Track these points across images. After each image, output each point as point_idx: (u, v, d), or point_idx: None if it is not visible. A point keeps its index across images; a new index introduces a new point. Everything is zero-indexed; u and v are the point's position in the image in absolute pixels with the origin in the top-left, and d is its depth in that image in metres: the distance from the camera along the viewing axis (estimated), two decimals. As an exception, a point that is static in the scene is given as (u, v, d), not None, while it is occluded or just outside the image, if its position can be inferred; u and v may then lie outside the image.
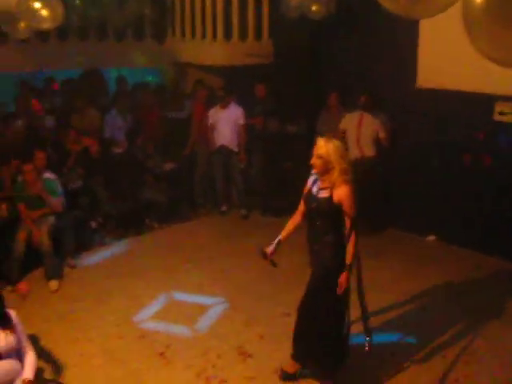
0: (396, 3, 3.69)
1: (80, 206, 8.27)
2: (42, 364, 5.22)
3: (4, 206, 7.38)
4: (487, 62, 3.49)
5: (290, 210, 8.92)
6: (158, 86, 10.55)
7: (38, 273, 7.21)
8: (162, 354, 5.65)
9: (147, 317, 6.37)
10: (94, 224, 8.49)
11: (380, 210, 8.53)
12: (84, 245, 8.00)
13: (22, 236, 7.04)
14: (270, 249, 5.11)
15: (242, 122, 8.99)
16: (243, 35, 9.89)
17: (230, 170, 9.25)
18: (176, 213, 9.19)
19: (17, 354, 4.46)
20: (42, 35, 9.23)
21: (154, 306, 6.58)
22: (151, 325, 6.21)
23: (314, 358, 5.13)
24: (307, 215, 5.00)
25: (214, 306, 6.56)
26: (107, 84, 10.38)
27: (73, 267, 7.48)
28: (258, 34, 9.94)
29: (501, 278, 7.20)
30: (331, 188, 4.74)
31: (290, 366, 5.22)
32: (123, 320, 6.27)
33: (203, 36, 10.00)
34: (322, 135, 8.53)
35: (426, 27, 7.78)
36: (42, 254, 7.00)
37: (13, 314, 4.52)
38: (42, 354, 5.38)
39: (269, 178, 9.34)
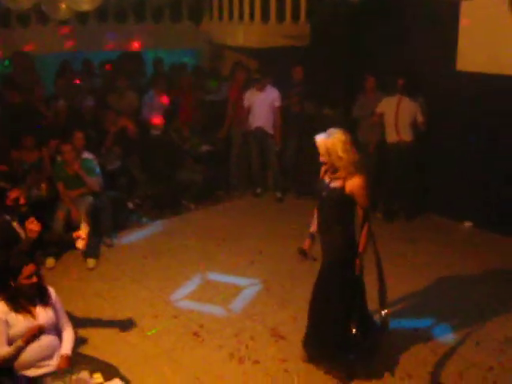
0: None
1: (118, 186, 8.39)
2: (80, 340, 5.34)
3: (44, 186, 7.52)
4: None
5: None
6: (195, 67, 10.56)
7: (76, 251, 7.34)
8: (195, 333, 5.73)
9: (182, 296, 6.46)
10: (131, 204, 8.64)
11: (416, 195, 8.46)
12: (121, 224, 8.13)
13: (60, 215, 7.18)
14: (306, 245, 5.08)
15: (277, 104, 8.97)
16: (281, 17, 9.82)
17: (265, 152, 9.26)
18: (212, 194, 9.25)
19: (55, 329, 4.56)
20: (81, 17, 9.33)
21: (189, 286, 6.66)
22: (186, 304, 6.29)
23: (325, 350, 5.10)
24: (318, 204, 4.95)
25: (249, 287, 6.62)
26: (145, 65, 10.44)
27: (110, 246, 7.61)
28: (296, 16, 9.86)
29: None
30: (344, 178, 4.67)
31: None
32: (158, 299, 6.37)
33: (240, 17, 9.96)
34: (359, 119, 8.60)
35: (467, 9, 7.62)
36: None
37: (51, 290, 4.61)
38: (79, 330, 5.51)
39: (304, 160, 9.31)
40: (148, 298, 6.39)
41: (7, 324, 4.29)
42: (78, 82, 9.16)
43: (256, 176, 9.49)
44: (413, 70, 8.25)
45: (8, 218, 5.18)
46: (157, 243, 7.77)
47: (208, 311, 6.15)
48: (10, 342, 4.31)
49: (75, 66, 9.76)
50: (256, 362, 5.29)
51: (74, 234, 5.22)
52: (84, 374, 4.13)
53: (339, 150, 4.58)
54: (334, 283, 4.88)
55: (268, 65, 9.66)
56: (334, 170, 4.73)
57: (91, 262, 7.11)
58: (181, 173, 8.86)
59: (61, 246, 7.14)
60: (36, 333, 4.28)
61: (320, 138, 4.69)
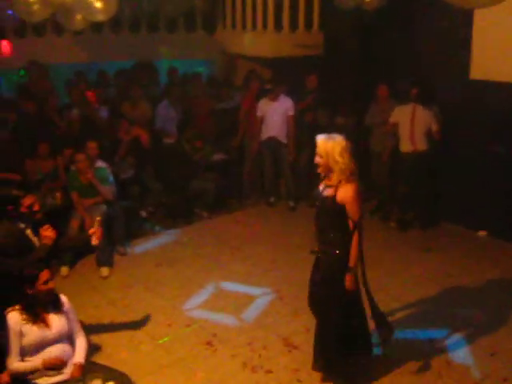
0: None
1: (131, 195, 8.42)
2: (93, 349, 5.35)
3: (58, 195, 7.58)
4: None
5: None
6: (209, 77, 10.61)
7: (90, 259, 7.38)
8: (208, 342, 5.72)
9: (195, 305, 6.45)
10: (144, 213, 8.68)
11: (430, 205, 8.41)
12: (134, 233, 8.16)
13: (74, 223, 7.22)
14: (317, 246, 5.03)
15: (291, 113, 8.97)
16: (294, 26, 9.85)
17: (278, 161, 9.26)
18: (224, 203, 9.26)
19: (68, 338, 4.57)
20: (95, 27, 9.41)
21: (202, 295, 6.66)
22: (199, 313, 6.28)
23: (325, 360, 5.07)
24: (315, 213, 4.90)
25: (261, 297, 6.60)
26: (159, 75, 10.49)
27: (123, 255, 7.63)
28: (309, 25, 9.88)
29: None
30: (336, 187, 4.63)
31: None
32: (171, 308, 6.37)
33: (253, 27, 10.00)
34: (371, 127, 8.58)
35: (480, 18, 7.60)
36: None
37: (64, 299, 4.62)
38: (92, 339, 5.52)
39: (317, 169, 9.29)
40: (161, 306, 6.39)
41: (21, 334, 4.31)
42: (92, 92, 9.22)
43: (269, 185, 9.49)
44: (426, 79, 8.23)
45: (22, 226, 5.21)
46: (170, 252, 7.78)
47: (221, 320, 6.14)
48: (22, 351, 4.33)
49: (89, 76, 9.83)
50: (269, 371, 5.27)
51: (89, 231, 5.27)
52: (97, 383, 4.13)
53: (336, 154, 4.57)
54: (329, 294, 4.83)
55: (281, 74, 9.68)
56: (327, 173, 4.70)
57: (105, 270, 7.13)
58: (193, 182, 8.87)
59: (76, 249, 7.18)
60: (57, 365, 4.28)
61: (321, 139, 4.68)
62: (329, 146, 4.61)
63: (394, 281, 6.84)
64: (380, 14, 8.06)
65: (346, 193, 4.58)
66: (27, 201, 5.19)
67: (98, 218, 5.35)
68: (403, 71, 8.55)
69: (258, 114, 9.07)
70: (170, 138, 9.17)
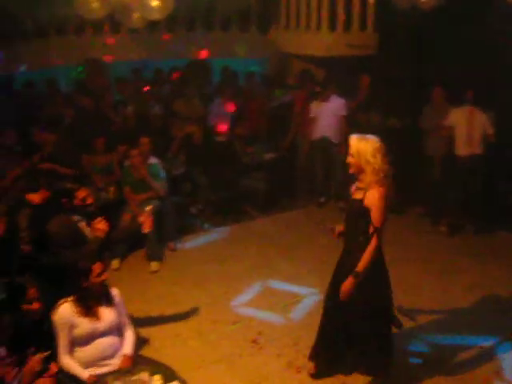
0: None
1: (182, 191, 8.52)
2: (141, 342, 5.43)
3: (112, 189, 7.73)
4: None
5: (389, 205, 8.85)
6: (262, 76, 10.63)
7: (140, 253, 7.50)
8: (254, 340, 5.74)
9: (242, 303, 6.49)
10: (194, 210, 8.75)
11: (486, 210, 8.22)
12: (184, 229, 8.24)
13: (126, 218, 7.35)
14: (338, 228, 4.95)
15: (343, 113, 8.91)
16: (348, 26, 9.79)
17: (330, 161, 9.20)
18: (275, 202, 9.26)
19: (118, 330, 4.65)
20: (151, 25, 9.56)
21: (250, 293, 6.69)
22: (245, 311, 6.31)
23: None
24: (345, 216, 4.83)
25: (309, 297, 6.58)
26: (212, 74, 10.58)
27: (173, 250, 7.72)
28: (363, 25, 9.80)
29: None
30: (365, 190, 4.54)
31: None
32: (218, 304, 6.42)
33: (307, 26, 9.98)
34: (425, 130, 8.43)
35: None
36: (144, 236, 7.27)
37: (115, 292, 4.70)
38: (140, 332, 5.62)
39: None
40: (208, 302, 6.45)
41: (72, 325, 4.40)
42: (146, 89, 9.38)
43: (320, 185, 9.45)
44: (483, 81, 8.05)
45: (76, 218, 5.33)
46: (219, 249, 7.84)
47: (267, 319, 6.15)
48: (72, 342, 4.44)
49: (144, 73, 10.00)
50: (313, 372, 5.25)
51: (140, 219, 5.35)
52: (144, 375, 4.19)
53: (369, 154, 4.49)
54: (354, 295, 4.68)
55: (334, 73, 9.63)
56: (359, 173, 4.62)
57: (155, 265, 7.24)
58: (244, 180, 8.91)
59: (127, 242, 7.32)
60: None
61: (354, 139, 4.61)
62: (361, 145, 4.54)
63: (442, 286, 6.74)
64: (435, 14, 7.92)
65: (373, 195, 4.49)
66: (81, 194, 5.32)
67: (149, 207, 5.43)
68: (458, 73, 8.38)
69: (311, 115, 9.04)
70: (221, 136, 9.24)
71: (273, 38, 10.62)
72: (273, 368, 5.31)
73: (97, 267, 4.46)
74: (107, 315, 4.53)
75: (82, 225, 5.35)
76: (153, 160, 7.73)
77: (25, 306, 4.31)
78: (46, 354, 4.09)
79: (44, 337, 4.34)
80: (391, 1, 8.61)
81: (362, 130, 8.83)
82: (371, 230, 4.52)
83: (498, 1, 7.72)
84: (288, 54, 10.48)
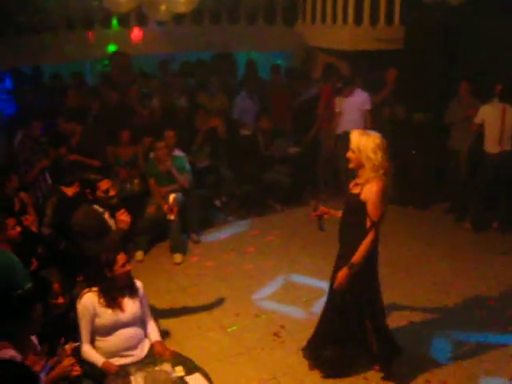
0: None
1: (206, 184, 8.55)
2: (162, 334, 5.47)
3: (136, 181, 7.80)
4: None
5: (413, 200, 8.84)
6: (287, 69, 10.61)
7: (164, 245, 7.55)
8: (276, 333, 5.76)
9: (264, 296, 6.51)
10: (218, 202, 8.78)
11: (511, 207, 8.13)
12: (208, 222, 8.28)
13: (151, 210, 7.41)
14: (324, 208, 4.96)
15: (367, 107, 8.85)
16: (374, 20, 9.72)
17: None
18: (298, 197, 9.25)
19: (140, 322, 4.70)
20: (177, 18, 9.59)
21: (272, 286, 6.70)
22: (268, 304, 6.33)
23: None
24: (342, 211, 4.82)
25: (331, 291, 6.57)
26: (237, 67, 10.59)
27: (196, 243, 7.77)
28: (390, 19, 9.72)
29: None
30: (363, 185, 4.53)
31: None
32: (241, 297, 6.45)
33: (333, 20, 9.93)
34: (451, 125, 8.33)
35: None
36: (168, 228, 7.32)
37: (139, 284, 4.74)
38: (162, 324, 5.66)
39: (393, 165, 9.14)
40: (231, 295, 6.48)
41: (95, 315, 4.46)
42: (171, 82, 9.42)
43: (343, 180, 9.40)
44: (510, 74, 7.92)
45: (100, 209, 5.38)
46: (242, 242, 7.86)
47: (289, 313, 6.16)
48: (94, 331, 4.49)
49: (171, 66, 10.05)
50: (335, 366, 5.25)
51: (165, 208, 5.37)
52: (166, 366, 4.22)
53: (369, 150, 4.46)
54: (346, 293, 4.74)
55: (359, 68, 9.58)
56: (358, 169, 4.59)
57: (178, 257, 7.29)
58: (267, 173, 8.92)
59: (152, 233, 7.37)
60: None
61: (355, 134, 4.59)
62: (362, 141, 4.51)
63: (465, 283, 6.69)
64: (462, 7, 7.83)
65: (370, 189, 4.47)
66: (103, 185, 5.34)
67: (174, 195, 5.45)
68: (486, 68, 8.28)
69: (336, 109, 8.99)
70: (246, 130, 9.25)
71: (298, 32, 10.58)
72: (294, 362, 5.32)
73: (121, 258, 4.50)
74: (131, 306, 4.57)
75: (106, 216, 5.40)
76: (178, 153, 7.78)
77: (50, 301, 4.36)
78: (75, 344, 4.14)
79: (68, 329, 4.40)
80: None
81: (387, 124, 8.92)
82: (368, 223, 4.51)
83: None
84: (313, 47, 10.44)
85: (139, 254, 7.31)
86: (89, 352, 4.43)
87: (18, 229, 5.16)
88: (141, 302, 4.66)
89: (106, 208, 5.41)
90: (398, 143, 8.97)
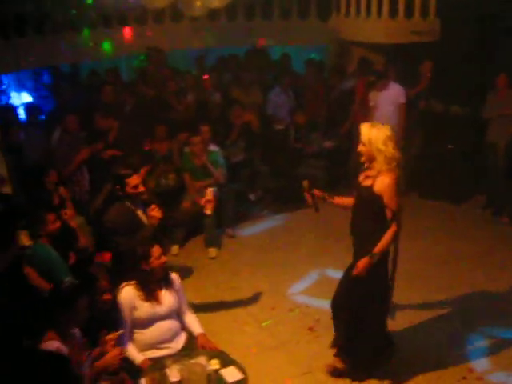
0: None
1: (241, 178, 8.59)
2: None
3: (172, 176, 7.87)
4: None
5: (449, 194, 8.73)
6: (322, 63, 10.57)
7: (199, 240, 7.61)
8: (311, 328, 5.78)
9: (299, 290, 6.53)
10: (252, 197, 8.80)
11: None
12: (243, 216, 8.33)
13: (186, 204, 7.48)
14: (317, 191, 4.96)
15: (402, 100, 8.75)
16: (409, 12, 9.61)
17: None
18: (333, 191, 9.17)
19: (177, 315, 4.77)
20: (211, 14, 9.63)
21: (307, 281, 6.72)
22: (303, 298, 6.36)
23: (350, 348, 5.01)
24: (353, 204, 4.79)
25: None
26: (272, 61, 10.59)
27: (231, 237, 7.82)
28: (425, 12, 9.61)
29: None
30: (375, 177, 4.50)
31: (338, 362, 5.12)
32: (276, 291, 6.48)
33: (368, 13, 9.86)
34: (488, 118, 8.21)
35: None
36: (203, 223, 7.38)
37: (175, 276, 4.81)
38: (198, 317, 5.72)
39: (429, 160, 9.05)
40: (266, 289, 6.51)
41: (133, 308, 4.54)
42: (206, 77, 9.48)
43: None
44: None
45: (132, 206, 5.38)
46: (276, 236, 7.88)
47: (324, 307, 6.08)
48: (132, 324, 4.57)
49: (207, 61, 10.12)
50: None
51: (202, 202, 5.38)
52: (201, 359, 4.27)
53: (380, 143, 4.44)
54: (361, 285, 4.69)
55: (394, 61, 9.49)
56: (370, 162, 4.57)
57: (213, 251, 7.35)
58: (301, 168, 8.91)
59: (187, 227, 7.42)
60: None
61: (365, 127, 4.56)
62: (372, 133, 4.49)
63: (503, 277, 6.61)
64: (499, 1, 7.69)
65: (383, 183, 4.46)
66: (133, 181, 5.27)
67: (211, 189, 5.44)
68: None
69: (371, 103, 8.93)
70: (280, 124, 9.26)
71: (333, 26, 10.53)
72: (329, 356, 5.29)
73: (156, 250, 4.57)
74: (167, 299, 4.64)
75: (139, 212, 5.40)
76: (213, 147, 7.83)
77: (97, 297, 4.43)
78: (118, 333, 4.23)
79: (112, 324, 4.47)
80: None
81: (423, 118, 8.82)
82: (388, 215, 4.51)
83: None
84: (348, 41, 10.38)
85: (174, 249, 7.39)
86: (129, 348, 4.51)
87: (58, 223, 5.27)
88: (177, 295, 4.72)
89: (138, 204, 5.38)
90: (434, 137, 8.92)
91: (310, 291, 6.51)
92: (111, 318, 4.51)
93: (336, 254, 7.29)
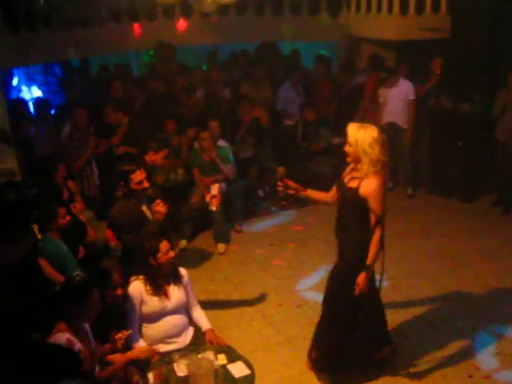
0: None
1: (249, 174, 8.59)
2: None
3: (181, 171, 7.88)
4: None
5: (458, 192, 8.70)
6: (332, 59, 10.55)
7: (208, 235, 7.63)
8: (319, 324, 5.77)
9: (307, 287, 6.53)
10: (261, 192, 8.81)
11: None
12: (251, 212, 8.34)
13: (194, 199, 7.49)
14: (291, 182, 4.86)
15: (411, 97, 8.72)
16: (420, 9, 9.57)
17: (397, 147, 9.06)
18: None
19: (185, 309, 4.79)
20: (222, 9, 9.62)
21: (315, 277, 6.71)
22: (310, 295, 6.35)
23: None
24: (337, 204, 4.73)
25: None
26: (281, 57, 10.58)
27: (240, 232, 7.83)
28: (436, 8, 9.56)
29: None
30: (361, 179, 4.44)
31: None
32: (283, 287, 6.48)
33: (378, 10, 9.82)
34: (498, 116, 8.15)
35: None
36: (212, 218, 7.40)
37: (184, 271, 4.83)
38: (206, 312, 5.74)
39: (438, 156, 9.02)
40: (273, 285, 6.52)
41: (142, 302, 4.57)
42: (216, 73, 9.48)
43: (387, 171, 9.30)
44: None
45: (137, 202, 5.35)
46: (285, 232, 7.89)
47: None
48: (141, 318, 4.59)
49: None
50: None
51: (207, 198, 5.34)
52: (209, 354, 4.30)
53: (366, 144, 4.36)
54: (344, 288, 4.65)
55: (405, 57, 9.46)
56: (355, 163, 4.51)
57: (221, 246, 7.36)
58: (310, 164, 8.90)
59: (196, 222, 7.45)
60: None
61: (352, 127, 4.49)
62: (359, 135, 4.41)
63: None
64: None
65: (369, 185, 4.39)
66: (137, 177, 5.16)
67: (217, 185, 5.40)
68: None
69: (380, 100, 8.91)
70: (290, 120, 9.25)
71: (343, 22, 10.50)
72: (336, 352, 5.34)
73: (164, 245, 4.58)
74: (176, 294, 4.67)
75: (144, 208, 5.32)
76: (222, 143, 7.84)
77: (110, 291, 4.43)
78: (128, 332, 4.26)
79: (121, 319, 4.51)
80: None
81: (433, 114, 8.77)
82: (373, 219, 4.45)
83: None
84: (358, 37, 10.34)
85: (183, 243, 7.41)
86: (139, 343, 4.53)
87: (68, 218, 5.29)
88: (185, 290, 4.74)
89: (142, 200, 5.31)
90: (443, 134, 8.88)
91: (318, 287, 6.46)
92: (122, 312, 4.53)
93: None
